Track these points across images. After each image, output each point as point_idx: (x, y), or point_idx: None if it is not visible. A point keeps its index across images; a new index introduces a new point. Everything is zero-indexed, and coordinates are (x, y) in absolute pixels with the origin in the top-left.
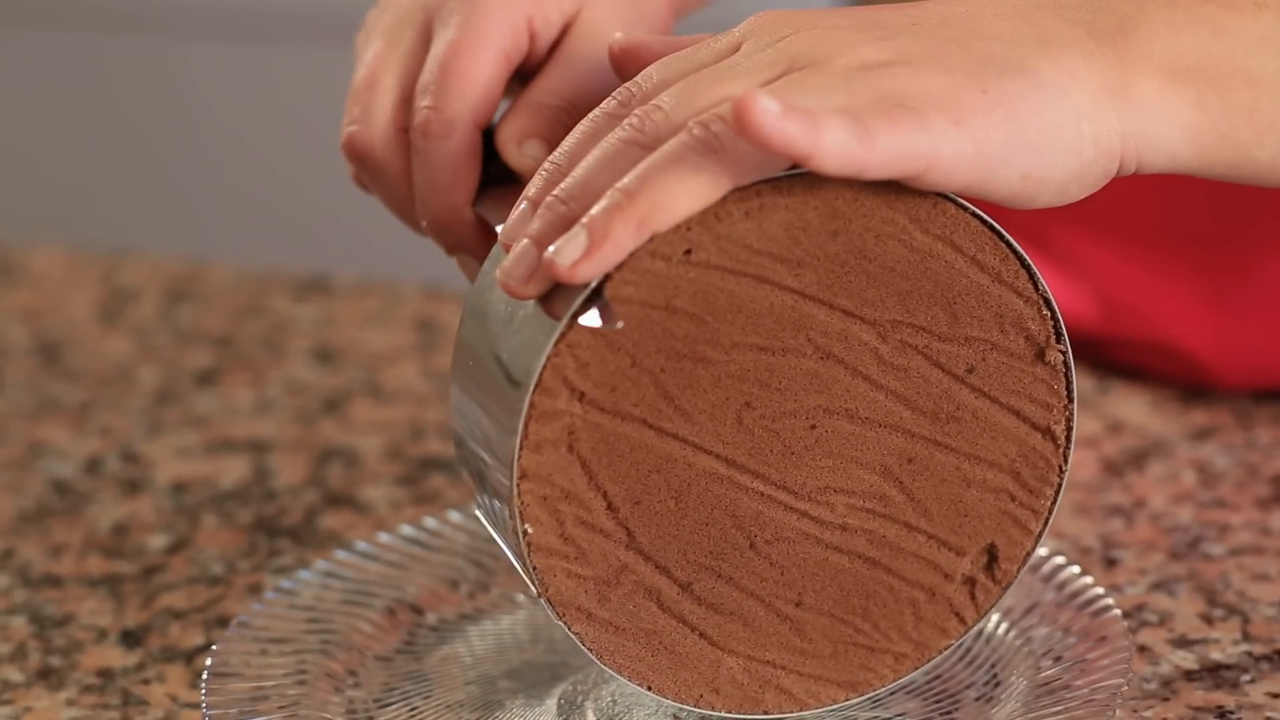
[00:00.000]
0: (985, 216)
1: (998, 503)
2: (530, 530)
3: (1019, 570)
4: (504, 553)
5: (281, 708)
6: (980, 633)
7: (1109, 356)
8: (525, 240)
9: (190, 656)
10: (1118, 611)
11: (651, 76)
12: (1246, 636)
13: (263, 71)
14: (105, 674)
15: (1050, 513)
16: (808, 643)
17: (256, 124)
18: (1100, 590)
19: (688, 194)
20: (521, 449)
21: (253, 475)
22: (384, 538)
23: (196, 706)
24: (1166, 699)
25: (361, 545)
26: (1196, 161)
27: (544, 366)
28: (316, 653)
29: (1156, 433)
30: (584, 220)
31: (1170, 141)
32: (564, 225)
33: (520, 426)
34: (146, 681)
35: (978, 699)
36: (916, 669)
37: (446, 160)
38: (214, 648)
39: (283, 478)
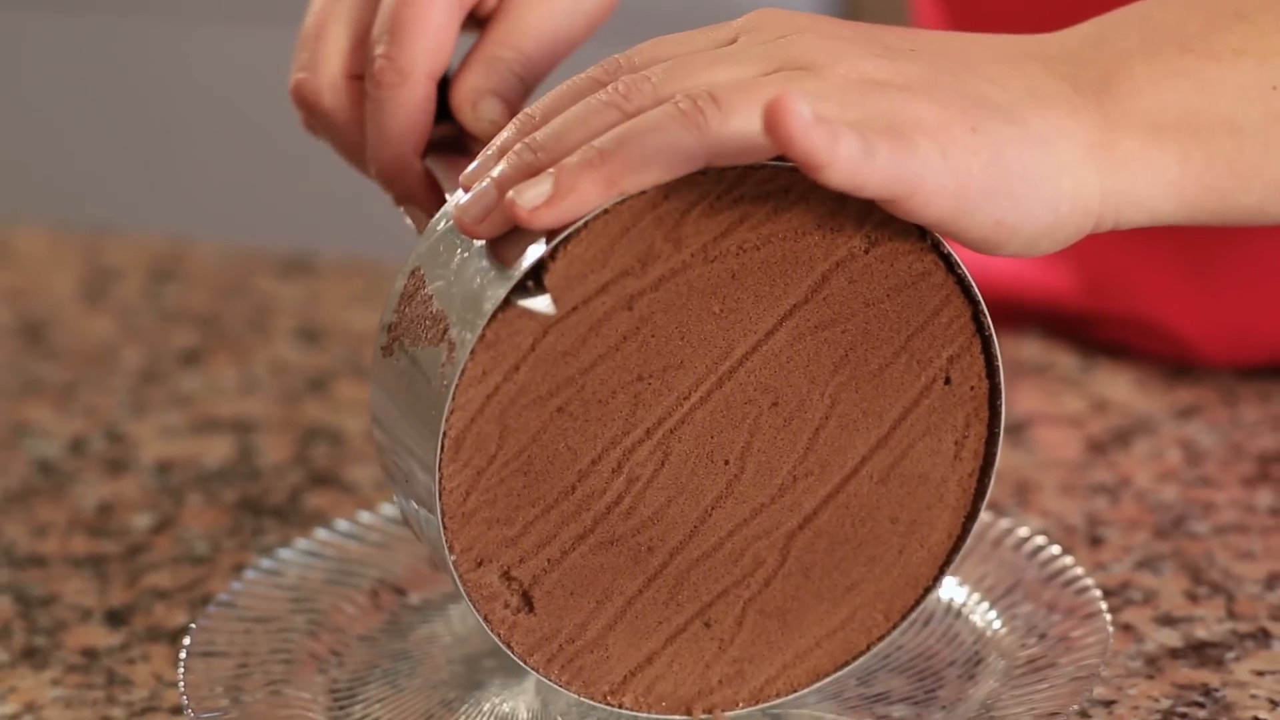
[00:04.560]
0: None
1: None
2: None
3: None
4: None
5: (264, 685)
6: (959, 613)
7: (1093, 335)
8: (487, 180)
9: (175, 636)
10: (1097, 592)
11: (643, 51)
12: (1231, 614)
13: (247, 50)
14: (90, 653)
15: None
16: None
17: (240, 103)
18: (1080, 570)
19: (662, 163)
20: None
21: (237, 455)
22: (365, 517)
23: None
24: (1151, 677)
25: (343, 524)
26: (1181, 214)
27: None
28: (298, 632)
29: (1141, 411)
30: (552, 169)
31: (1152, 198)
32: (530, 173)
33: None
34: (131, 661)
35: (960, 676)
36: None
37: (399, 109)
38: (193, 626)
39: (267, 457)
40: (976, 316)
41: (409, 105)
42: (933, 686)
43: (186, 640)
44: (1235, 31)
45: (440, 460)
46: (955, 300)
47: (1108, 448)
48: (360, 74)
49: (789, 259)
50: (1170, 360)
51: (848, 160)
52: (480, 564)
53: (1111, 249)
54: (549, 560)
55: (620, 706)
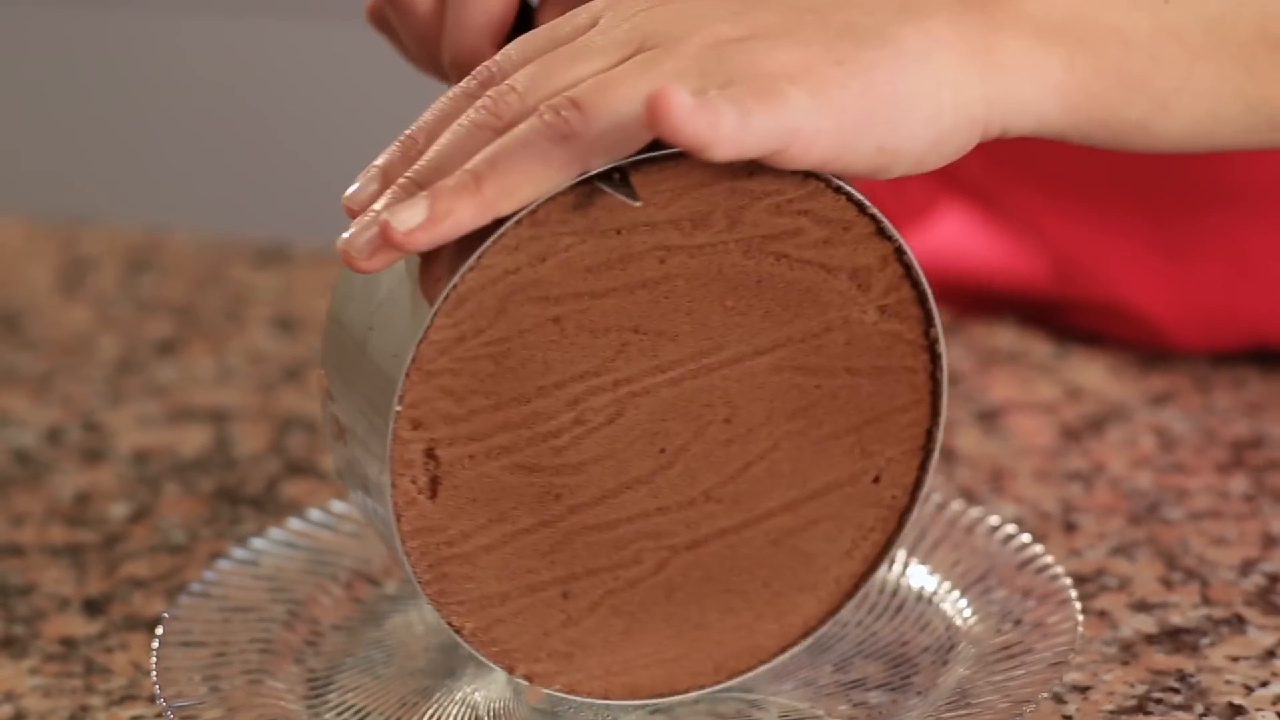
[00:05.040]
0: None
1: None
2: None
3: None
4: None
5: (239, 674)
6: (931, 600)
7: (1066, 321)
8: (371, 212)
9: (152, 625)
10: (1068, 580)
11: (510, 55)
12: (1205, 600)
13: (224, 41)
14: (68, 643)
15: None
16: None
17: (216, 93)
18: (1050, 558)
19: (534, 180)
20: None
21: (214, 444)
22: (338, 506)
23: None
24: (1126, 663)
25: (315, 514)
26: (1065, 122)
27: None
28: (273, 621)
29: (1115, 398)
30: (427, 191)
31: (1038, 103)
32: None
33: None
34: (109, 650)
35: (934, 662)
36: None
37: (486, 4)
38: (165, 616)
39: (244, 446)
40: (931, 430)
41: (497, 1)
42: (908, 673)
43: (159, 630)
44: None
45: (439, 308)
46: (922, 406)
47: (1082, 435)
48: None
49: (811, 292)
50: (1143, 346)
51: (729, 133)
52: (416, 427)
53: (1083, 234)
54: (471, 457)
55: (458, 631)
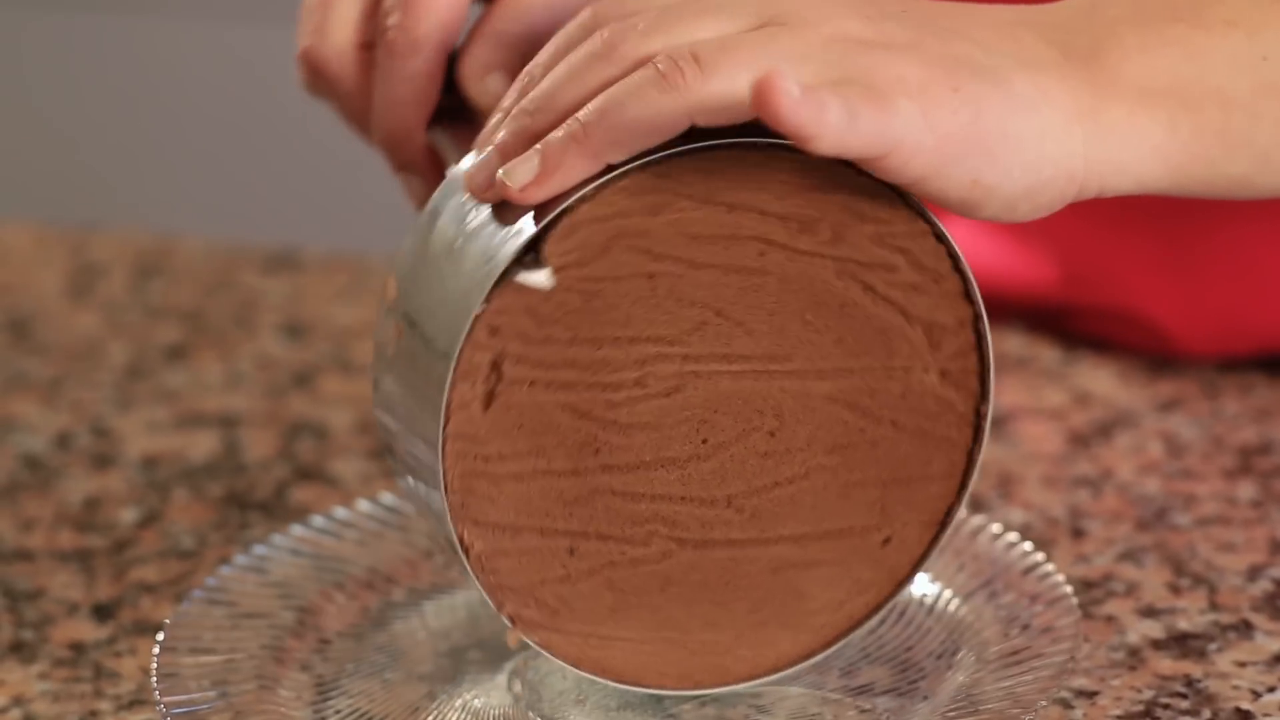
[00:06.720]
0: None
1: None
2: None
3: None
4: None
5: (248, 679)
6: (934, 607)
7: (1075, 327)
8: (490, 148)
9: (161, 630)
10: (1069, 588)
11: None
12: (1213, 606)
13: (233, 47)
14: (77, 647)
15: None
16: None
17: (225, 99)
18: (1051, 566)
19: (644, 130)
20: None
21: (223, 449)
22: (341, 513)
23: None
24: (1134, 668)
25: (323, 520)
26: (1167, 181)
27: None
28: (279, 627)
29: (1123, 404)
30: (539, 145)
31: (1139, 165)
32: (527, 137)
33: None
34: (118, 655)
35: (940, 667)
36: None
37: (408, 80)
38: (167, 622)
39: (253, 452)
40: (950, 509)
41: (419, 76)
42: (914, 677)
43: (160, 636)
44: (1226, 3)
45: (554, 231)
46: (951, 481)
47: (1090, 440)
48: (369, 42)
49: (885, 333)
50: (1152, 352)
51: (834, 128)
52: (493, 334)
53: (1093, 240)
54: (532, 382)
55: (467, 551)
